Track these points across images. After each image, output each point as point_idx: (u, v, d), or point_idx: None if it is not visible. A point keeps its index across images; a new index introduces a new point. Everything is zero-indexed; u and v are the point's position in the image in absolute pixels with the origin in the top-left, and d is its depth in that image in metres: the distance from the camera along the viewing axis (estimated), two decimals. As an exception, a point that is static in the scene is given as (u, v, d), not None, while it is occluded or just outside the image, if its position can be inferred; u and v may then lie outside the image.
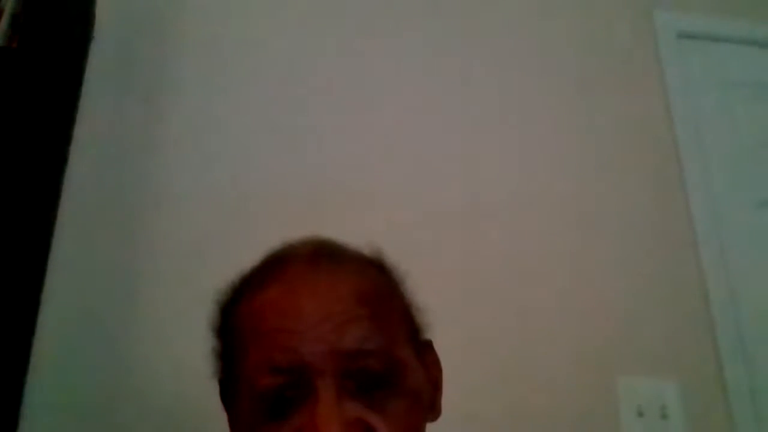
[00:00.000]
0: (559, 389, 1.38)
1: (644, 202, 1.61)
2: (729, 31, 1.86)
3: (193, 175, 1.43)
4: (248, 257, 1.35)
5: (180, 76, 1.52)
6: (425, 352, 0.68)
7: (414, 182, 1.52)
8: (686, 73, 1.78)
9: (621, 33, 1.80)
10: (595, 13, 1.81)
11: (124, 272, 1.33)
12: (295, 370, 0.55)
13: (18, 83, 1.08)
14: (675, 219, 1.60)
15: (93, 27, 1.47)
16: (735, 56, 1.84)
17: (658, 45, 1.79)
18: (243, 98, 1.53)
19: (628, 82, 1.74)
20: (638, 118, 1.70)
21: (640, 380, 1.41)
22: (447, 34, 1.70)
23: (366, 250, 0.69)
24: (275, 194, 1.45)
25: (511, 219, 1.53)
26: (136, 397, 1.23)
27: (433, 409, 0.67)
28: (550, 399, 1.37)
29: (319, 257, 0.64)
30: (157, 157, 1.44)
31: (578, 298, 1.47)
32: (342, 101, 1.57)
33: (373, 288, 0.62)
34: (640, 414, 1.38)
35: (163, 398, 1.24)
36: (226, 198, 1.42)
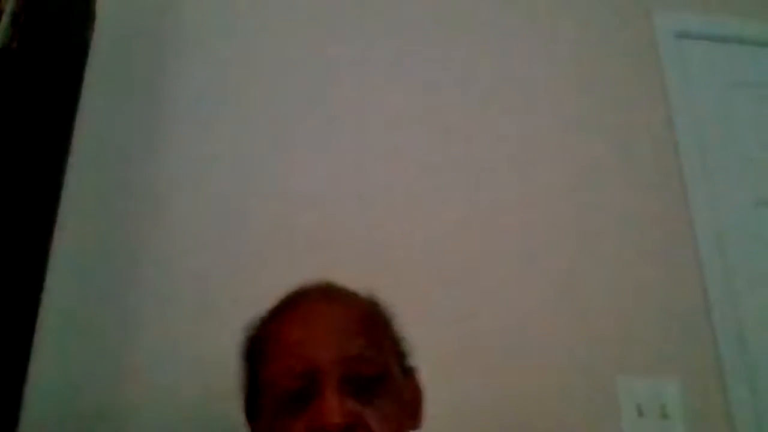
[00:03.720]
0: (559, 389, 1.38)
1: (644, 201, 1.61)
2: (729, 31, 1.86)
3: (195, 175, 1.43)
4: (249, 258, 1.35)
5: (180, 76, 1.52)
6: (410, 375, 0.83)
7: (413, 180, 1.52)
8: (686, 73, 1.78)
9: (621, 33, 1.80)
10: (595, 13, 1.81)
11: (123, 274, 1.33)
12: (308, 374, 0.71)
13: (18, 83, 1.08)
14: (675, 219, 1.60)
15: (93, 27, 1.47)
16: (735, 56, 1.84)
17: (658, 45, 1.79)
18: (244, 97, 1.53)
19: (628, 82, 1.74)
20: (638, 118, 1.70)
21: (640, 380, 1.41)
22: (447, 34, 1.70)
23: (363, 292, 0.85)
24: (276, 195, 1.45)
25: (510, 218, 1.53)
26: (136, 401, 1.23)
27: (414, 419, 0.83)
28: (549, 399, 1.37)
29: (327, 294, 0.82)
30: (158, 157, 1.44)
31: (578, 298, 1.48)
32: (344, 99, 1.57)
33: (369, 317, 0.80)
34: (640, 414, 1.38)
35: (163, 401, 1.24)
36: (227, 199, 1.42)
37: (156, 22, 1.56)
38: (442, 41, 1.69)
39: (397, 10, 1.71)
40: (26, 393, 1.13)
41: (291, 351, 0.73)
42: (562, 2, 1.80)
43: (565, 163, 1.61)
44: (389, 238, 1.46)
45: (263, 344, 0.78)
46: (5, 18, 1.09)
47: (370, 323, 0.78)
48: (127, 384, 1.23)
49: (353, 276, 1.36)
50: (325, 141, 1.53)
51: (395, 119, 1.58)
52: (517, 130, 1.63)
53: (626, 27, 1.81)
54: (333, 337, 0.73)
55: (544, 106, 1.67)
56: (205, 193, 1.42)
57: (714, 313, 1.51)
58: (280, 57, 1.59)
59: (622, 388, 1.40)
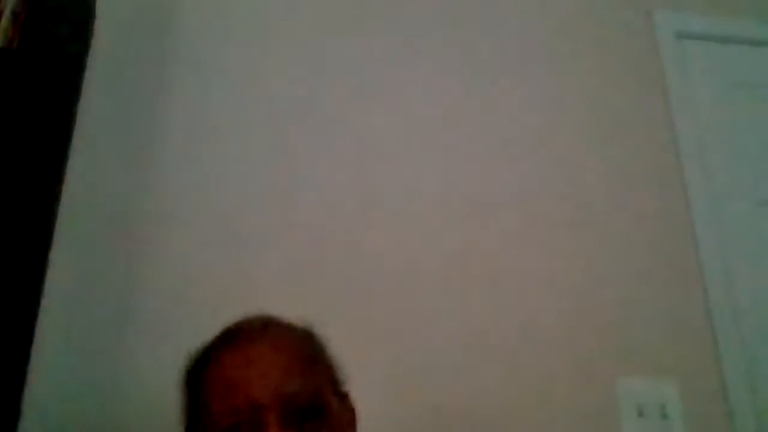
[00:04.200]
0: (559, 390, 1.38)
1: (644, 201, 1.61)
2: (729, 31, 1.86)
3: (194, 176, 1.43)
4: (249, 258, 1.34)
5: (180, 76, 1.52)
6: (344, 400, 0.88)
7: (413, 177, 1.52)
8: (686, 73, 1.78)
9: (621, 33, 1.80)
10: (595, 13, 1.81)
11: (123, 276, 1.32)
12: (250, 409, 0.75)
13: (18, 83, 1.08)
14: (675, 219, 1.60)
15: (93, 27, 1.47)
16: (735, 56, 1.84)
17: (658, 45, 1.79)
18: (243, 97, 1.53)
19: (628, 82, 1.74)
20: (638, 118, 1.70)
21: (640, 380, 1.41)
22: (446, 36, 1.70)
23: (299, 323, 0.89)
24: (275, 197, 1.45)
25: (511, 219, 1.53)
26: (135, 406, 1.23)
27: None
28: (550, 399, 1.37)
29: (264, 327, 0.85)
30: (157, 157, 1.43)
31: (578, 298, 1.48)
32: (345, 101, 1.57)
33: (305, 350, 0.84)
34: (640, 414, 1.38)
35: (162, 406, 1.24)
36: (226, 201, 1.42)
37: (156, 23, 1.56)
38: (441, 43, 1.69)
39: (397, 13, 1.70)
40: (23, 406, 1.13)
41: (233, 389, 0.77)
42: (562, 2, 1.80)
43: (565, 164, 1.61)
44: (391, 242, 1.46)
45: (204, 380, 0.82)
46: (5, 18, 1.09)
47: (306, 357, 0.83)
48: (124, 397, 1.23)
49: (353, 288, 1.37)
50: (326, 146, 1.52)
51: (396, 128, 1.58)
52: (516, 131, 1.63)
53: (627, 27, 1.81)
54: (273, 375, 0.78)
55: (543, 106, 1.67)
56: (204, 194, 1.42)
57: (714, 313, 1.51)
58: (280, 58, 1.59)
59: (622, 388, 1.40)
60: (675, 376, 1.43)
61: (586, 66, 1.74)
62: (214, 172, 1.44)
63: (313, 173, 1.49)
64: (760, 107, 1.78)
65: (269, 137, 1.50)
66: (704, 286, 1.53)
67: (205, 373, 0.83)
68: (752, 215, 1.65)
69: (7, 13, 1.09)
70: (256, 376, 0.78)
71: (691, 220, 1.60)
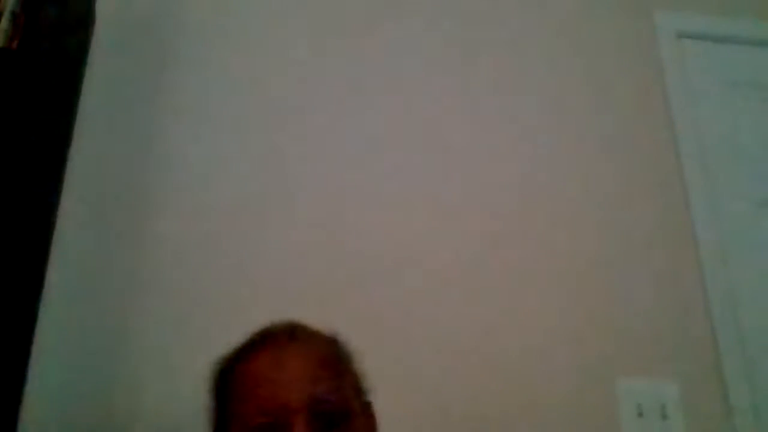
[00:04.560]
0: (559, 390, 1.38)
1: (644, 201, 1.61)
2: (729, 31, 1.85)
3: (193, 175, 1.43)
4: (249, 257, 1.34)
5: (180, 76, 1.52)
6: (367, 410, 0.90)
7: (411, 173, 1.52)
8: (686, 73, 1.77)
9: (621, 33, 1.80)
10: (595, 13, 1.81)
11: (123, 275, 1.33)
12: (279, 411, 0.78)
13: (18, 83, 1.08)
14: (675, 219, 1.60)
15: (93, 28, 1.47)
16: (735, 56, 1.84)
17: (658, 45, 1.79)
18: (244, 97, 1.53)
19: (628, 81, 1.74)
20: (638, 118, 1.70)
21: (640, 380, 1.41)
22: (446, 36, 1.70)
23: (326, 331, 0.90)
24: (277, 194, 1.45)
25: (511, 219, 1.53)
26: (135, 407, 1.23)
27: None
28: (550, 399, 1.37)
29: (293, 333, 0.87)
30: (158, 157, 1.44)
31: (578, 298, 1.47)
32: (344, 101, 1.57)
33: (333, 357, 0.87)
34: (640, 414, 1.38)
35: (162, 407, 1.24)
36: (227, 200, 1.42)
37: (155, 24, 1.56)
38: (441, 45, 1.69)
39: (397, 12, 1.70)
40: (23, 406, 1.13)
41: (262, 389, 0.80)
42: (562, 2, 1.80)
43: (564, 165, 1.61)
44: (391, 242, 1.46)
45: (234, 381, 0.84)
46: (5, 18, 1.09)
47: (334, 363, 0.86)
48: (123, 402, 1.23)
49: (354, 288, 1.37)
50: (326, 146, 1.53)
51: (396, 127, 1.58)
52: (516, 131, 1.63)
53: (627, 26, 1.81)
54: (302, 378, 0.80)
55: (543, 106, 1.67)
56: (205, 195, 1.42)
57: (714, 313, 1.51)
58: (280, 58, 1.59)
59: (622, 388, 1.40)
60: (675, 376, 1.43)
61: (586, 66, 1.74)
62: (214, 171, 1.45)
63: (314, 172, 1.49)
64: (760, 107, 1.78)
65: (269, 137, 1.50)
66: (704, 286, 1.53)
67: (234, 375, 0.85)
68: (752, 215, 1.65)
69: (7, 13, 1.09)
70: (286, 379, 0.80)
71: (691, 220, 1.60)
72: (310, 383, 0.80)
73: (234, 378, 0.85)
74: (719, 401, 1.43)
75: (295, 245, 1.41)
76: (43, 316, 1.22)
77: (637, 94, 1.73)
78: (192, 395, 1.23)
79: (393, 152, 1.55)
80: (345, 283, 1.39)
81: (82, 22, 1.41)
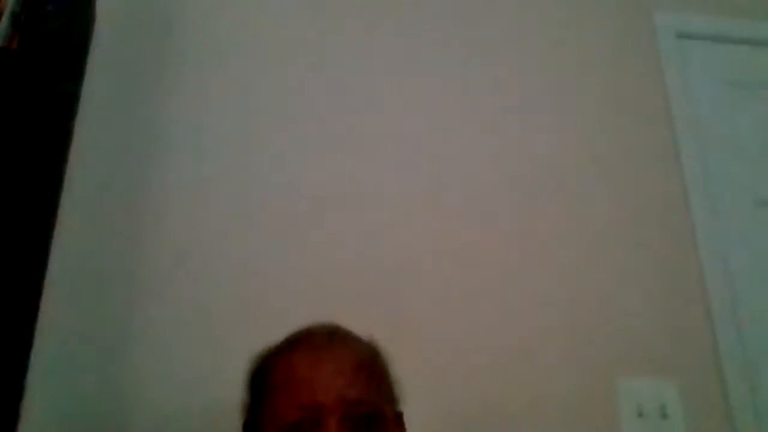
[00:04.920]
0: (559, 389, 1.38)
1: (644, 201, 1.61)
2: (729, 31, 1.86)
3: (193, 176, 1.43)
4: (249, 260, 1.34)
5: (181, 76, 1.52)
6: (398, 419, 0.91)
7: (411, 173, 1.52)
8: (686, 73, 1.78)
9: (622, 33, 1.80)
10: (595, 13, 1.81)
11: (123, 275, 1.32)
12: (314, 408, 0.80)
13: (18, 83, 1.08)
14: (675, 219, 1.60)
15: (93, 27, 1.47)
16: (735, 56, 1.84)
17: (658, 45, 1.79)
18: (243, 97, 1.53)
19: (628, 81, 1.74)
20: (638, 118, 1.70)
21: (640, 380, 1.41)
22: (445, 36, 1.70)
23: (366, 337, 0.93)
24: (276, 195, 1.45)
25: (512, 220, 1.53)
26: (135, 408, 1.23)
27: None
28: (550, 399, 1.37)
29: (333, 335, 0.89)
30: (157, 158, 1.43)
31: (578, 298, 1.48)
32: (344, 100, 1.57)
33: (370, 362, 0.88)
34: (640, 414, 1.38)
35: (162, 407, 1.24)
36: (227, 200, 1.42)
37: (155, 24, 1.56)
38: (440, 45, 1.69)
39: (397, 12, 1.70)
40: (23, 408, 1.12)
41: (299, 386, 0.82)
42: (562, 2, 1.80)
43: (564, 164, 1.61)
44: (392, 242, 1.46)
45: (271, 377, 0.86)
46: (5, 18, 1.09)
47: (370, 369, 0.87)
48: (124, 403, 1.23)
49: (355, 294, 1.37)
50: (326, 146, 1.52)
51: (399, 135, 1.57)
52: (516, 131, 1.63)
53: (627, 27, 1.81)
54: (338, 379, 0.82)
55: (543, 106, 1.67)
56: (204, 195, 1.42)
57: (714, 313, 1.51)
58: (282, 59, 1.59)
59: (622, 388, 1.40)
60: (675, 376, 1.43)
61: (587, 66, 1.73)
62: (214, 171, 1.44)
63: (314, 172, 1.49)
64: (760, 107, 1.78)
65: (269, 137, 1.50)
66: (704, 286, 1.53)
67: (272, 370, 0.87)
68: (752, 215, 1.65)
69: (7, 13, 1.09)
70: (323, 379, 0.82)
71: (691, 220, 1.60)
72: (346, 385, 0.82)
73: (272, 373, 0.87)
74: (719, 401, 1.43)
75: (295, 245, 1.41)
76: (43, 317, 1.21)
77: (637, 94, 1.73)
78: (192, 396, 1.23)
79: (392, 152, 1.55)
80: (345, 284, 1.39)
81: (82, 22, 1.41)
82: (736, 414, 1.42)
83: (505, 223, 1.52)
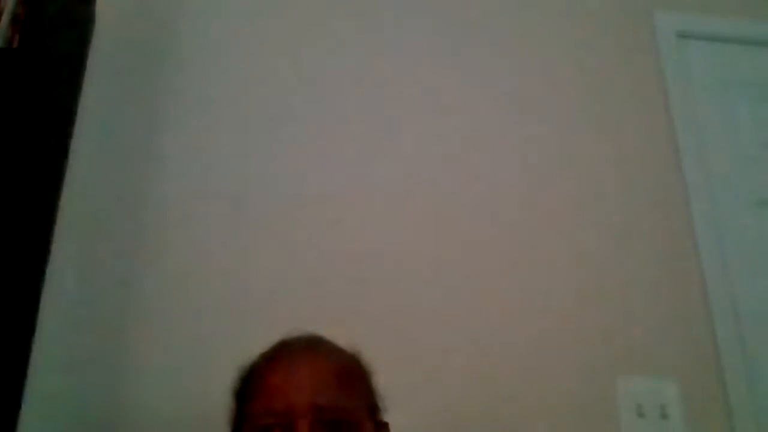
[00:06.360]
0: (559, 389, 1.38)
1: (644, 201, 1.61)
2: (729, 31, 1.85)
3: (193, 175, 1.43)
4: (249, 259, 1.34)
5: (180, 77, 1.52)
6: (381, 428, 0.92)
7: (411, 173, 1.53)
8: (686, 73, 1.78)
9: (622, 33, 1.80)
10: (595, 13, 1.81)
11: (123, 276, 1.33)
12: (285, 413, 0.83)
13: (18, 83, 1.08)
14: (675, 219, 1.60)
15: (93, 27, 1.47)
16: (735, 56, 1.84)
17: (658, 45, 1.79)
18: (244, 97, 1.53)
19: (628, 81, 1.74)
20: (638, 118, 1.70)
21: (640, 380, 1.41)
22: (444, 40, 1.70)
23: (347, 347, 0.94)
24: (275, 196, 1.45)
25: (511, 220, 1.53)
26: (135, 408, 1.23)
27: None
28: (550, 399, 1.37)
29: (312, 344, 0.92)
30: (157, 158, 1.44)
31: (578, 298, 1.48)
32: (344, 100, 1.57)
33: (346, 371, 0.89)
34: (640, 414, 1.38)
35: (163, 408, 1.24)
36: (227, 200, 1.42)
37: (155, 25, 1.56)
38: (440, 45, 1.69)
39: (397, 12, 1.70)
40: (22, 416, 1.12)
41: (273, 392, 0.85)
42: (562, 2, 1.80)
43: (565, 165, 1.61)
44: (391, 243, 1.46)
45: (250, 385, 0.90)
46: (5, 18, 1.09)
47: (346, 376, 0.88)
48: (124, 403, 1.23)
49: (355, 294, 1.37)
50: (326, 145, 1.52)
51: (398, 134, 1.58)
52: (517, 131, 1.63)
53: (627, 27, 1.81)
54: (309, 385, 0.84)
55: (544, 106, 1.67)
56: (204, 196, 1.42)
57: (714, 313, 1.51)
58: (281, 60, 1.59)
59: (622, 388, 1.40)
60: (675, 376, 1.43)
61: (586, 66, 1.73)
62: (214, 171, 1.44)
63: (314, 173, 1.49)
64: (760, 107, 1.78)
65: (269, 136, 1.50)
66: (704, 286, 1.53)
67: (251, 380, 0.91)
68: (752, 215, 1.65)
69: (7, 13, 1.09)
70: (296, 384, 0.85)
71: (691, 221, 1.60)
72: (317, 390, 0.84)
73: (251, 382, 0.90)
74: (719, 401, 1.43)
75: (295, 245, 1.41)
76: (43, 317, 1.22)
77: (638, 94, 1.73)
78: (192, 396, 1.23)
79: (392, 153, 1.55)
80: (346, 284, 1.39)
81: (82, 21, 1.41)
82: (736, 414, 1.42)
83: (505, 224, 1.52)
